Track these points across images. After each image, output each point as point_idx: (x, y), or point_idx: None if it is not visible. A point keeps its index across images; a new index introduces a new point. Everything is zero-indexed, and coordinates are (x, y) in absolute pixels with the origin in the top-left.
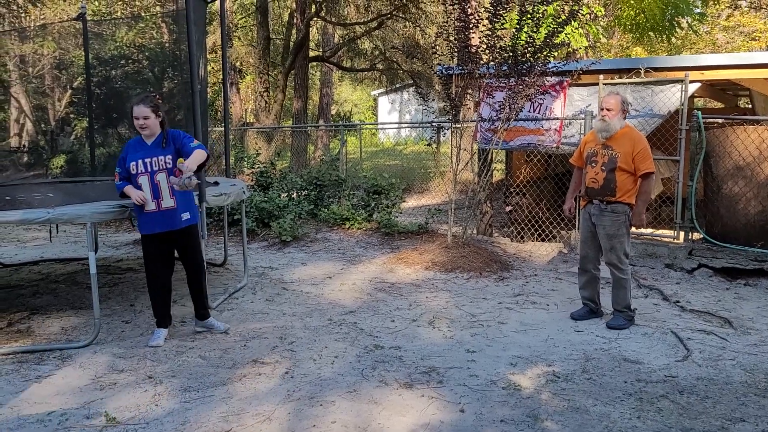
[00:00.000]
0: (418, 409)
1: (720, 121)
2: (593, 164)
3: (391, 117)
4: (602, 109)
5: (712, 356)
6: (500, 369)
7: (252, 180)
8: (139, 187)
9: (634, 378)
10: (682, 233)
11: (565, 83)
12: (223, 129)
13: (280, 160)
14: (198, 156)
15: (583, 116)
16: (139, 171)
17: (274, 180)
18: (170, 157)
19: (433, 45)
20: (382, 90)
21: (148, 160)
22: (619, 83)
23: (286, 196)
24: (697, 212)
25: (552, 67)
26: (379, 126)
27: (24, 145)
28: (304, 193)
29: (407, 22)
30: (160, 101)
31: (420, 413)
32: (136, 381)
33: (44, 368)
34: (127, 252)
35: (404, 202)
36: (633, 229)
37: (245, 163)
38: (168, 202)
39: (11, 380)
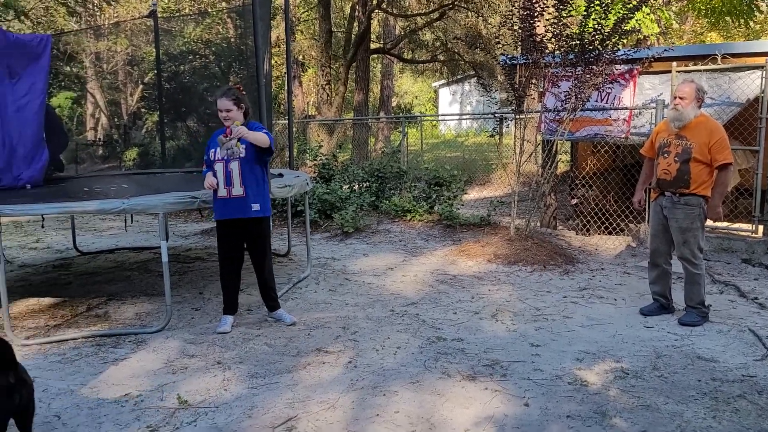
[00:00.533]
0: (481, 401)
1: None
2: (666, 155)
3: (452, 108)
4: (675, 98)
5: None
6: (566, 364)
7: (314, 172)
8: (215, 174)
9: (708, 377)
10: (761, 227)
11: (635, 71)
12: (286, 122)
13: (341, 152)
14: (259, 135)
15: (654, 105)
16: (216, 158)
17: (336, 172)
18: (244, 146)
19: (496, 35)
20: (443, 81)
21: None
22: (694, 70)
23: (348, 188)
24: None
25: (621, 55)
26: (440, 118)
27: (99, 139)
28: (365, 184)
29: (469, 12)
30: (243, 93)
31: (483, 406)
32: (205, 366)
33: (120, 351)
34: (196, 242)
35: (466, 194)
36: (708, 222)
37: (308, 155)
38: (237, 190)
39: (91, 362)
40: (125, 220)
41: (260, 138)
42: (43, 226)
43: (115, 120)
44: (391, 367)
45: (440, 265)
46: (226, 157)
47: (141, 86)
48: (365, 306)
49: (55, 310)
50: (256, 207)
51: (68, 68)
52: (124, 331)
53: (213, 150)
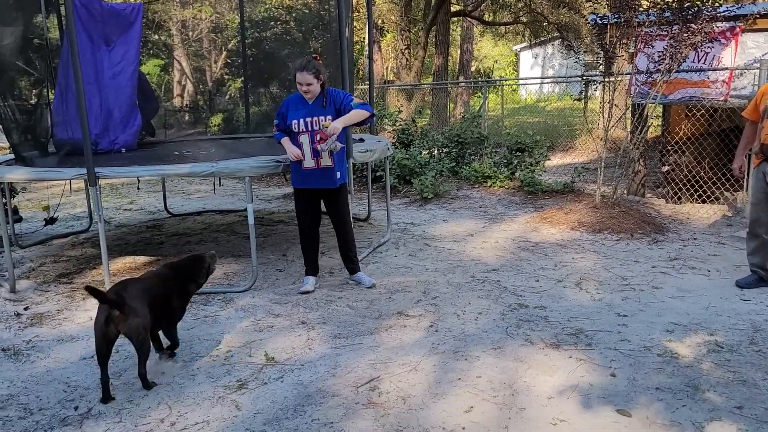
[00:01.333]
0: (565, 370)
1: None
2: None
3: (533, 72)
4: None
5: None
6: (655, 335)
7: (393, 137)
8: (299, 146)
9: None
10: None
11: (738, 29)
12: (366, 87)
13: (420, 117)
14: (352, 115)
15: (758, 66)
16: (300, 130)
17: (415, 137)
18: (330, 117)
19: None
20: (524, 44)
21: (309, 120)
22: None
23: (427, 154)
24: None
25: (723, 12)
26: (521, 82)
27: (186, 105)
28: (445, 150)
29: None
30: (321, 63)
31: (568, 374)
32: (290, 325)
33: (210, 309)
34: (278, 206)
35: (548, 160)
36: None
37: (387, 120)
38: (326, 161)
39: (183, 318)
40: (214, 183)
41: (354, 117)
42: (138, 188)
43: (200, 87)
44: (473, 332)
45: (521, 233)
46: (311, 129)
47: (225, 53)
48: (445, 271)
49: (149, 267)
50: (338, 175)
51: (156, 36)
52: (213, 290)
53: (296, 120)
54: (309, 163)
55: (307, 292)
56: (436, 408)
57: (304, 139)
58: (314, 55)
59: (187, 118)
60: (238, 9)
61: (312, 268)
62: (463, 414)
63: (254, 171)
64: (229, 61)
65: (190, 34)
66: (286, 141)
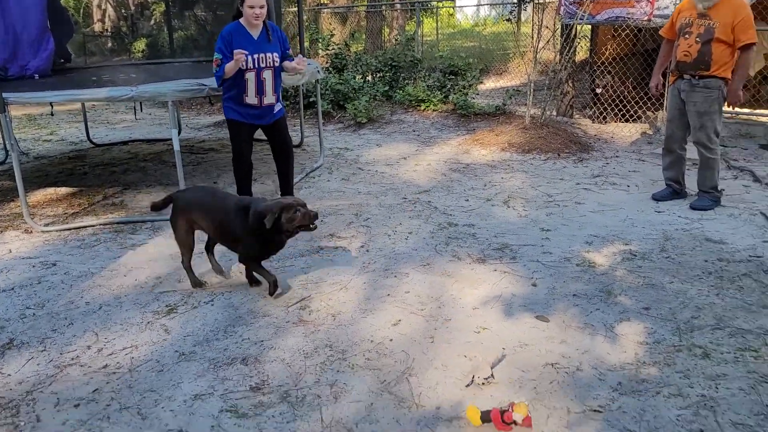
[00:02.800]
0: (490, 282)
1: None
2: (687, 35)
3: None
4: None
5: None
6: (575, 247)
7: (326, 62)
8: (244, 83)
9: (715, 257)
10: None
11: None
12: (296, 9)
13: (354, 42)
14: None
15: None
16: (248, 67)
17: (348, 62)
18: (277, 54)
19: None
20: None
21: (257, 56)
22: None
23: (361, 78)
24: None
25: None
26: (457, 4)
27: (107, 30)
28: (379, 75)
29: None
30: None
31: (492, 286)
32: (220, 250)
33: (138, 237)
34: (209, 134)
35: (481, 83)
36: (726, 107)
37: (320, 44)
38: (270, 99)
39: (109, 247)
40: (135, 110)
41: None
42: (52, 114)
43: (122, 11)
44: (403, 251)
45: (453, 155)
46: (258, 66)
47: None
48: (378, 194)
49: (72, 199)
50: (278, 107)
51: None
52: (141, 218)
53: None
54: (252, 100)
55: None
56: (364, 323)
57: (250, 76)
58: None
59: (108, 44)
60: None
61: (247, 195)
62: (391, 327)
63: (177, 94)
64: None
65: None
66: (228, 65)
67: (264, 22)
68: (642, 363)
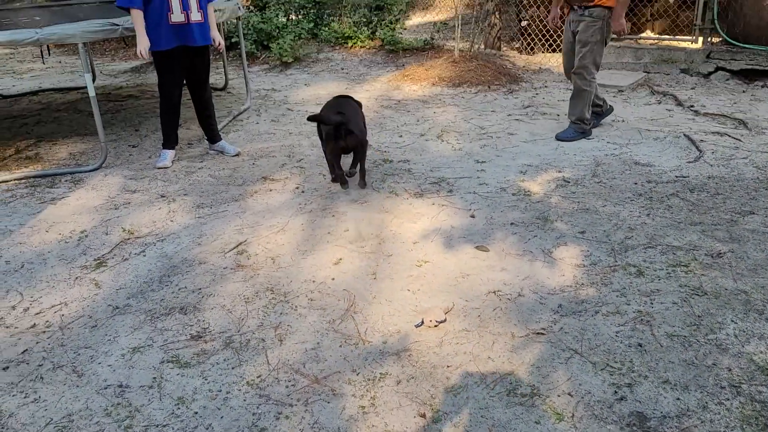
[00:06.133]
0: (428, 216)
1: None
2: None
3: None
4: None
5: (725, 156)
6: (510, 177)
7: (247, 1)
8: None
9: (644, 180)
10: (701, 37)
11: None
12: None
13: None
14: (214, 18)
15: None
16: None
17: (271, 0)
18: None
19: None
20: None
21: None
22: None
23: (284, 17)
24: (718, 13)
25: None
26: None
27: None
28: (302, 12)
29: None
30: None
31: (431, 220)
32: (149, 200)
33: (57, 191)
34: (126, 80)
35: (408, 18)
36: (648, 35)
37: None
38: (196, 15)
39: (27, 203)
40: (42, 54)
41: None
42: None
43: None
44: (339, 190)
45: (384, 91)
46: None
47: None
48: (309, 134)
49: None
50: (207, 33)
51: None
52: (59, 171)
53: None
54: (178, 17)
55: (166, 168)
56: (305, 263)
57: None
58: None
59: None
60: None
61: (173, 140)
62: (332, 266)
63: (87, 36)
64: None
65: None
66: (138, 18)
67: None
68: (580, 285)
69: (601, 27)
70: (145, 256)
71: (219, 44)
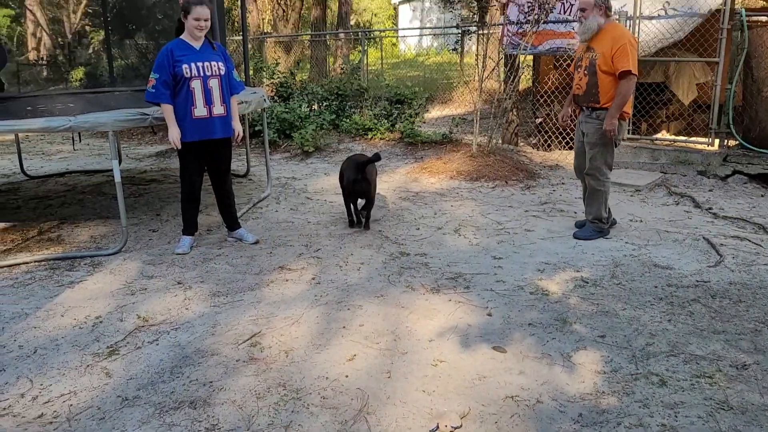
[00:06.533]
0: (445, 313)
1: (764, 19)
2: (578, 69)
3: (412, 26)
4: (578, 11)
5: (746, 261)
6: (527, 275)
7: (272, 91)
8: (191, 92)
9: (664, 283)
10: (717, 140)
11: None
12: (240, 38)
13: (299, 71)
14: (236, 110)
15: (616, 17)
16: (192, 75)
17: (294, 91)
18: (222, 63)
19: None
20: None
21: (200, 64)
22: None
23: (307, 107)
24: (733, 117)
25: None
26: (401, 34)
27: (42, 59)
28: (325, 103)
29: None
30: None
31: (447, 317)
32: (165, 286)
33: (76, 274)
34: (151, 164)
35: (427, 112)
36: (664, 135)
37: (264, 73)
38: (219, 109)
39: (45, 285)
40: (73, 140)
41: (237, 110)
42: None
43: (59, 39)
44: (355, 282)
45: (402, 183)
46: (204, 74)
47: (84, 2)
48: (328, 224)
49: (4, 234)
50: (230, 125)
51: None
52: (79, 254)
53: (187, 65)
54: (201, 111)
55: (184, 254)
56: (319, 359)
57: (197, 84)
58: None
59: (44, 73)
60: None
61: (193, 227)
62: (346, 362)
63: (118, 125)
64: (89, 10)
65: None
66: (167, 110)
67: (206, 36)
68: (601, 393)
69: None
70: (158, 344)
71: (238, 135)
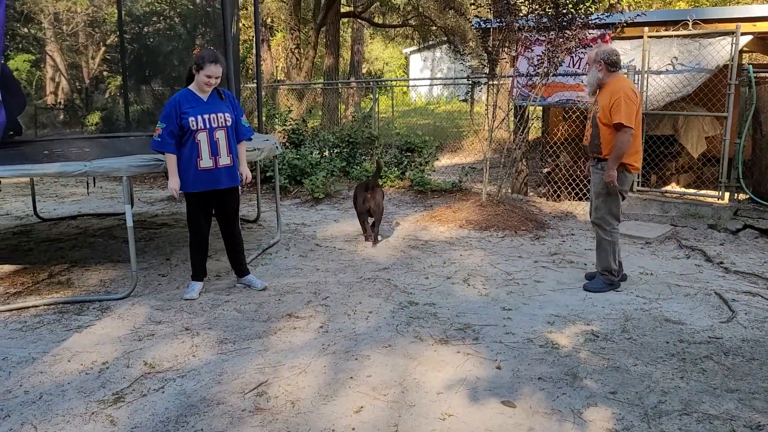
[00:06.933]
0: (453, 365)
1: None
2: (588, 120)
3: (422, 75)
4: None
5: (758, 318)
6: (537, 327)
7: (284, 137)
8: (197, 144)
9: (676, 338)
10: (727, 193)
11: (608, 36)
12: (254, 86)
13: (311, 117)
14: (245, 155)
15: (625, 71)
16: (199, 127)
17: (306, 137)
18: (229, 114)
19: None
20: (414, 48)
21: (207, 116)
22: (665, 36)
23: (318, 154)
24: (743, 171)
25: (594, 19)
26: (412, 83)
27: (59, 103)
28: (336, 150)
29: None
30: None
31: (456, 369)
32: (173, 332)
33: (85, 318)
34: (162, 208)
35: (437, 160)
36: (674, 188)
37: (277, 120)
38: (225, 159)
39: (53, 329)
40: (87, 184)
41: (245, 156)
42: (0, 190)
43: (76, 84)
44: (363, 331)
45: (412, 231)
46: (210, 126)
47: (103, 48)
48: (336, 271)
49: (15, 277)
50: (236, 175)
51: (26, 30)
52: (88, 297)
53: (193, 118)
54: (207, 163)
55: (192, 299)
56: (325, 410)
57: (203, 137)
58: (194, 50)
59: (60, 116)
60: (116, 2)
61: (202, 273)
62: (353, 414)
63: (132, 170)
64: (107, 57)
65: (64, 28)
66: (171, 160)
67: (215, 87)
68: None
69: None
70: (163, 392)
71: (246, 178)
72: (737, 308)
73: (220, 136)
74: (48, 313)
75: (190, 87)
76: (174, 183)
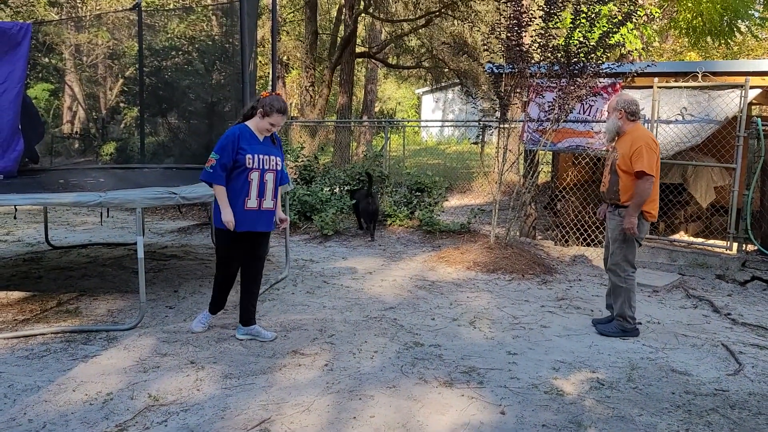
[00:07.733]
0: (457, 408)
1: None
2: (605, 167)
3: (434, 116)
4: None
5: (766, 371)
6: (542, 373)
7: (295, 173)
8: (248, 183)
9: (682, 390)
10: (735, 244)
11: (618, 85)
12: None
13: (323, 154)
14: (280, 200)
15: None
16: (254, 166)
17: (317, 174)
18: (279, 159)
19: (484, 42)
20: (426, 88)
21: (262, 157)
22: (675, 87)
23: (329, 191)
24: (752, 223)
25: (605, 69)
26: (423, 124)
27: (76, 132)
28: (346, 188)
29: (455, 21)
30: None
31: (460, 413)
32: (178, 365)
33: (91, 348)
34: (172, 239)
35: (446, 200)
36: (682, 236)
37: (289, 156)
38: (269, 203)
39: (59, 358)
40: (101, 214)
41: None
42: (15, 218)
43: (93, 114)
44: (368, 371)
45: (419, 271)
46: (263, 167)
47: (121, 80)
48: (343, 309)
49: (24, 304)
50: (274, 219)
51: (47, 59)
52: (96, 327)
53: (251, 156)
54: (252, 203)
55: (199, 333)
56: None
57: (254, 176)
58: (263, 93)
59: (76, 145)
60: (137, 36)
61: (220, 306)
62: None
63: (146, 202)
64: (125, 88)
65: (85, 59)
66: (222, 194)
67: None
68: None
69: None
70: (166, 426)
71: (282, 222)
72: (744, 361)
73: (269, 178)
74: (55, 341)
75: (248, 124)
76: (229, 215)
